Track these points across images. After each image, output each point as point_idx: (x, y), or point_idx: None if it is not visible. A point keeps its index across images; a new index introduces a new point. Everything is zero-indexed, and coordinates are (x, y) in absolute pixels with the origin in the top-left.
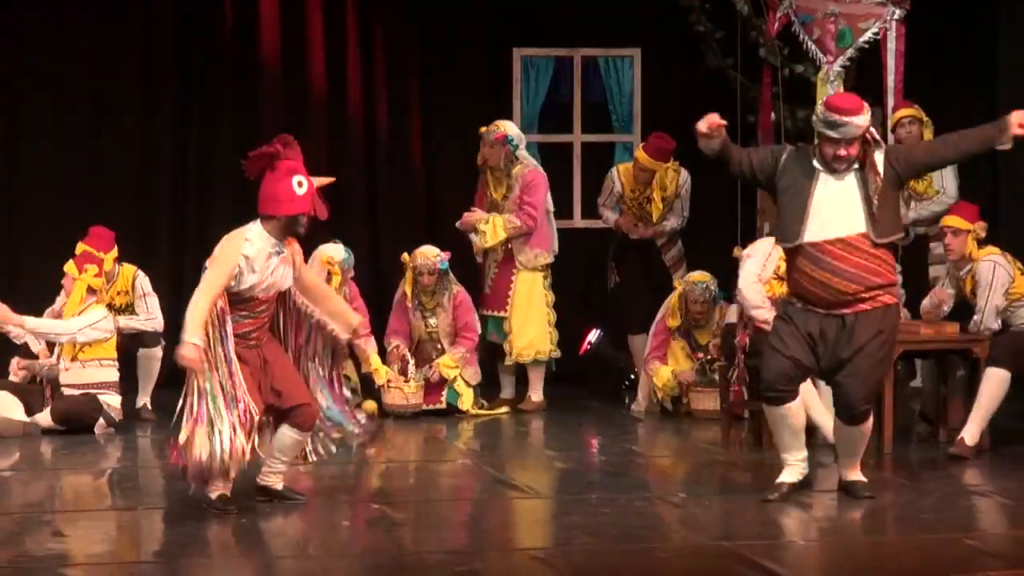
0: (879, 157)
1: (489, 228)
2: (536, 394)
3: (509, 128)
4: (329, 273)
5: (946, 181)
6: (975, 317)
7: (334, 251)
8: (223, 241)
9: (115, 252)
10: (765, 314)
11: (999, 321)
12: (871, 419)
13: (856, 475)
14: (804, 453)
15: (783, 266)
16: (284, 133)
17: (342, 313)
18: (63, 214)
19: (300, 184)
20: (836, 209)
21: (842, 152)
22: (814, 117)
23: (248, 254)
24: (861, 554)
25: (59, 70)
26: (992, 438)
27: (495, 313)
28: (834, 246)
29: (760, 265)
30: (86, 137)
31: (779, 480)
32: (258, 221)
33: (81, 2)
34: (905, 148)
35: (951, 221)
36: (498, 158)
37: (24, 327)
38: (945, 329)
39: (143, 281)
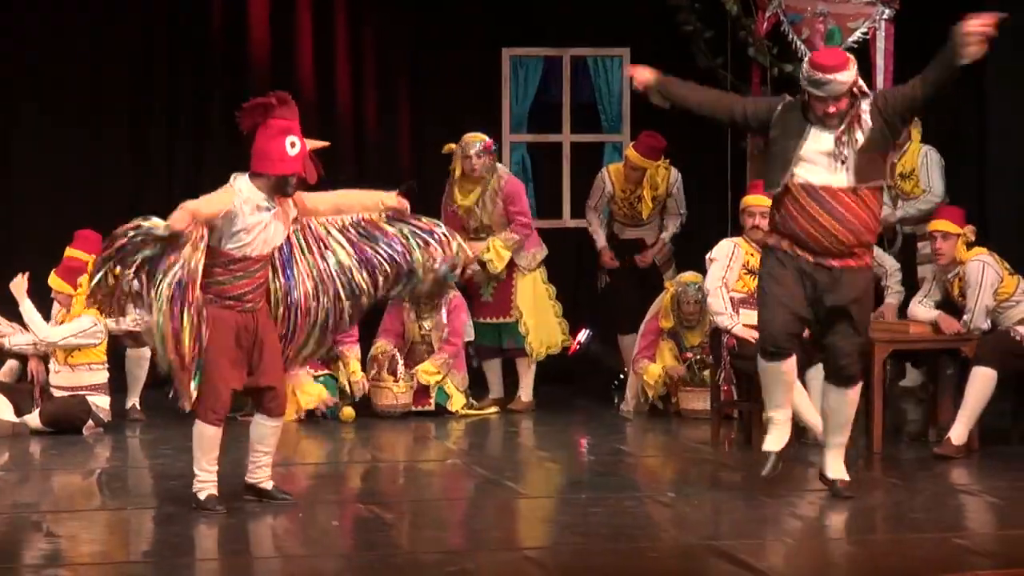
0: (865, 107)
1: (493, 254)
2: (527, 394)
3: (486, 137)
4: None
5: (932, 180)
6: (964, 317)
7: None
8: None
9: None
10: (727, 321)
11: (988, 321)
12: (859, 387)
13: (840, 472)
14: (790, 411)
15: (752, 260)
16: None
17: (370, 203)
18: (53, 214)
19: (293, 144)
20: (827, 160)
21: (831, 109)
22: (800, 75)
23: (238, 200)
24: (850, 554)
25: (48, 70)
26: (981, 437)
27: (499, 320)
28: (833, 193)
29: (724, 268)
30: (76, 137)
31: (766, 448)
32: (247, 175)
33: (69, 3)
34: (888, 92)
35: (940, 225)
36: (485, 167)
37: (9, 343)
38: (934, 329)
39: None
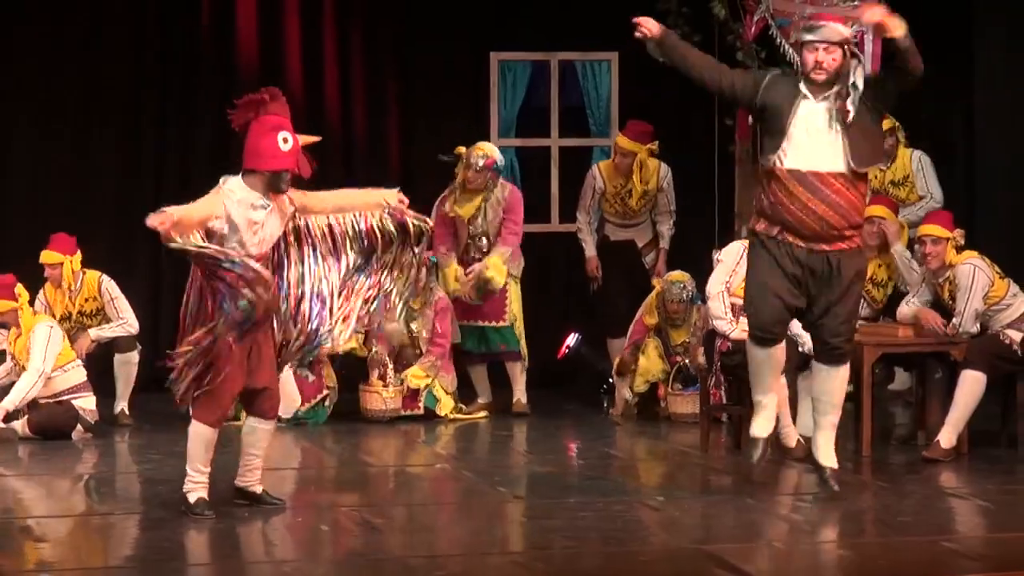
0: (859, 73)
1: (494, 272)
2: (524, 396)
3: (495, 153)
4: None
5: (930, 185)
6: (954, 321)
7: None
8: None
9: (79, 256)
10: (726, 327)
11: (978, 325)
12: (848, 366)
13: (830, 458)
14: (775, 397)
15: None
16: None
17: (372, 202)
18: (42, 219)
19: (285, 140)
20: (817, 140)
21: (821, 58)
22: (795, 33)
23: (230, 201)
24: (839, 557)
25: (35, 78)
26: (970, 441)
27: (493, 324)
28: (822, 177)
29: (728, 272)
30: (64, 142)
31: (754, 433)
32: (239, 175)
33: (57, 10)
34: (871, 76)
35: (930, 230)
36: (483, 181)
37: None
38: (923, 331)
39: (109, 285)
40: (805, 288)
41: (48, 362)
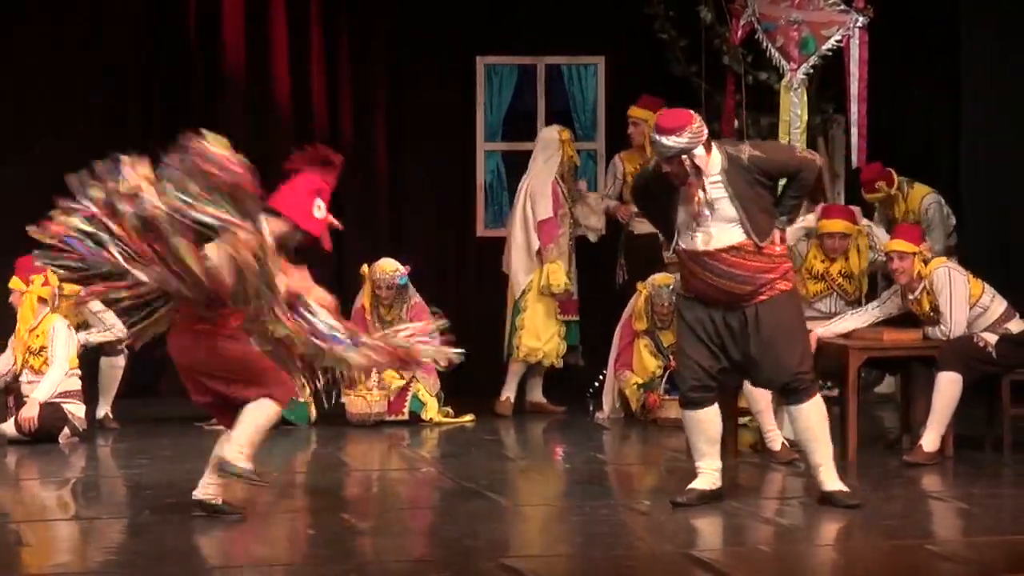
0: (708, 178)
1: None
2: (513, 394)
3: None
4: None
5: (935, 235)
6: (941, 327)
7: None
8: None
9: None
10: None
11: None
12: (818, 396)
13: (836, 484)
14: (719, 464)
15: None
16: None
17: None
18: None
19: (319, 208)
20: (701, 220)
21: (665, 168)
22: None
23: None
24: (825, 561)
25: (19, 80)
26: (955, 444)
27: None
28: (710, 255)
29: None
30: (48, 146)
31: (690, 486)
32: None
33: (44, 10)
34: (761, 151)
35: (897, 246)
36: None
37: (38, 405)
38: (907, 336)
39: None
40: (727, 347)
41: (71, 357)
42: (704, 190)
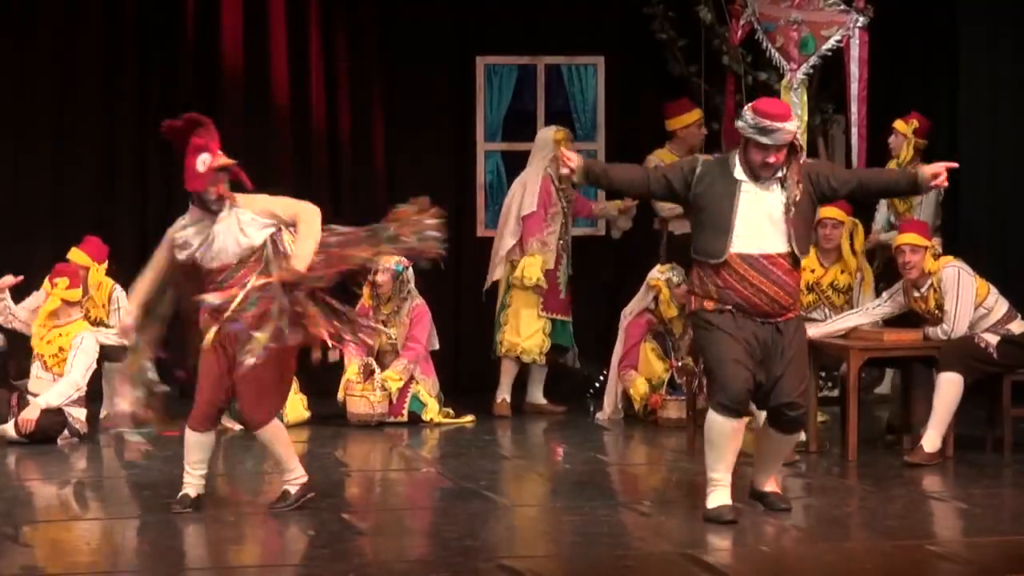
0: (797, 168)
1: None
2: (509, 395)
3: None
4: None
5: (924, 212)
6: (943, 326)
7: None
8: None
9: (105, 265)
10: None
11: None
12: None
13: (773, 486)
14: (730, 476)
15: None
16: (195, 114)
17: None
18: (24, 228)
19: (203, 163)
20: (763, 224)
21: (771, 159)
22: (740, 123)
23: (177, 228)
24: (825, 561)
25: (18, 81)
26: (956, 445)
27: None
28: (771, 259)
29: None
30: (47, 146)
31: (723, 503)
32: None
33: (42, 12)
34: (824, 168)
35: (908, 239)
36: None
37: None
38: (908, 336)
39: (120, 295)
40: (760, 359)
41: (86, 376)
42: (800, 181)
